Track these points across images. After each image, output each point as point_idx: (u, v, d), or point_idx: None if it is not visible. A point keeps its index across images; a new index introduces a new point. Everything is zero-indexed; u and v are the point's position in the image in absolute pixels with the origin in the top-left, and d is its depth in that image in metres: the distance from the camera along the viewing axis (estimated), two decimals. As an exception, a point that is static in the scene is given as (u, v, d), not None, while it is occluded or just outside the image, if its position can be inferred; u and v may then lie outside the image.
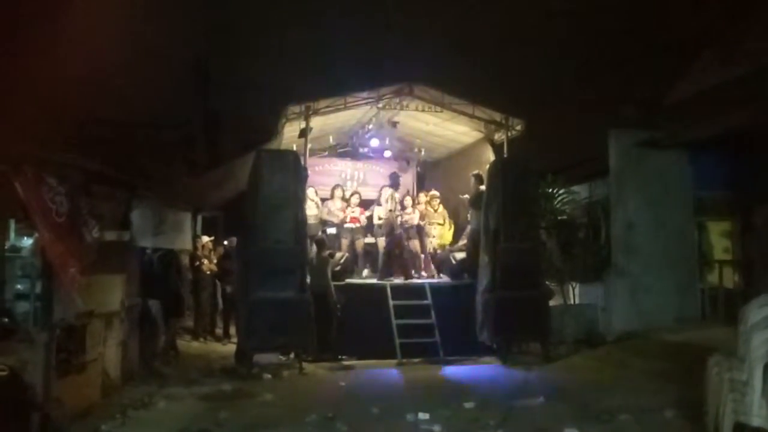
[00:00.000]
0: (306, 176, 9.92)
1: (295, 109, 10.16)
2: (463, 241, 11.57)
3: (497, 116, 11.07)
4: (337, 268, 10.28)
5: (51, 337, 5.90)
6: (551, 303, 10.34)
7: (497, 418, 6.37)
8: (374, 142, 13.16)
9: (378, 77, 11.35)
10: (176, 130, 11.44)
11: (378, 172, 13.95)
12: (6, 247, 6.30)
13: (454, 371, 9.13)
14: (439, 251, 11.99)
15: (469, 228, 11.07)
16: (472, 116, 11.15)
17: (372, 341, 9.67)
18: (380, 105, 10.93)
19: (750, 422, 4.75)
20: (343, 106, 10.62)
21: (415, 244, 11.36)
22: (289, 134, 10.92)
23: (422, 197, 12.39)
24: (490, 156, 11.38)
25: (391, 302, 9.95)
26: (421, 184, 14.38)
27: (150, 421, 6.54)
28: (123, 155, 7.87)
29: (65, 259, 5.83)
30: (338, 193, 11.82)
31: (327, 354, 9.40)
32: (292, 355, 9.45)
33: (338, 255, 10.66)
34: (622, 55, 13.07)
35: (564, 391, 7.62)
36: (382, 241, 11.30)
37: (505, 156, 10.88)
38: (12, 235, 6.42)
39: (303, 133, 10.52)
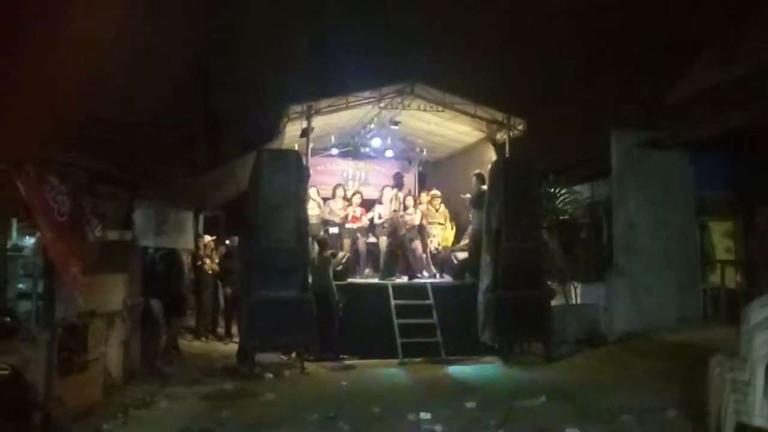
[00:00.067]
0: (308, 176, 9.91)
1: (297, 108, 10.15)
2: (464, 241, 11.56)
3: (499, 116, 11.06)
4: (339, 267, 10.28)
5: (53, 337, 5.90)
6: (553, 303, 10.33)
7: (499, 418, 6.37)
8: (376, 142, 13.15)
9: (379, 77, 11.37)
10: (177, 130, 11.47)
11: (380, 171, 13.96)
12: (8, 247, 6.30)
13: (455, 371, 9.12)
14: (441, 251, 11.98)
15: (470, 228, 11.07)
16: (473, 116, 11.13)
17: (374, 341, 9.67)
18: (382, 104, 10.91)
19: (752, 422, 4.75)
20: (344, 106, 10.60)
21: (416, 244, 11.36)
22: (291, 134, 10.92)
23: (424, 197, 12.39)
24: (492, 156, 11.36)
25: (392, 302, 9.94)
26: (423, 184, 14.36)
27: (152, 420, 6.53)
28: (124, 155, 7.88)
29: (67, 258, 5.83)
30: (340, 192, 11.82)
31: (329, 353, 9.39)
32: (293, 355, 9.44)
33: (340, 255, 10.66)
34: (622, 55, 13.09)
35: (565, 391, 7.61)
36: (383, 241, 11.30)
37: (507, 156, 10.86)
38: (14, 234, 6.41)
39: (304, 133, 10.52)
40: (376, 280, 10.82)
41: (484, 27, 15.47)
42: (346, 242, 11.35)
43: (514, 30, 14.98)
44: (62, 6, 8.04)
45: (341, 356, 9.52)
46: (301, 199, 9.44)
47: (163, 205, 8.99)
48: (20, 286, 6.25)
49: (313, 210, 11.01)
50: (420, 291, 10.27)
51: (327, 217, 11.47)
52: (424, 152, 14.04)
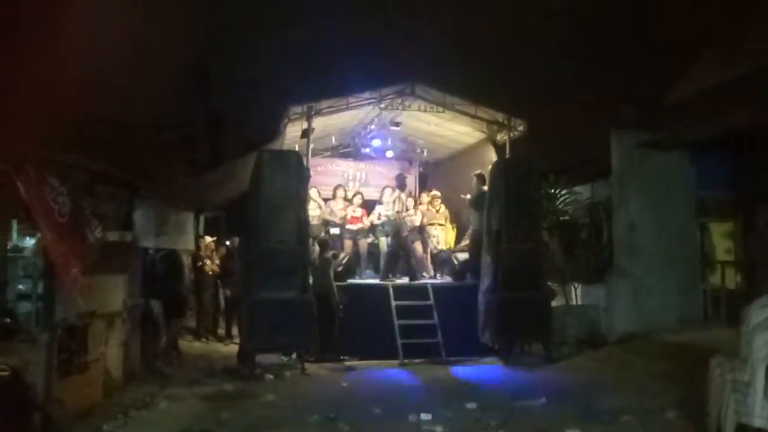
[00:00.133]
0: (309, 177, 9.91)
1: (297, 109, 10.16)
2: (465, 242, 11.55)
3: (499, 116, 11.06)
4: (340, 268, 10.28)
5: (53, 337, 5.90)
6: (553, 304, 10.33)
7: (499, 419, 6.36)
8: (376, 143, 13.16)
9: (380, 77, 11.36)
10: (177, 130, 11.46)
11: (380, 172, 13.96)
12: (8, 247, 6.30)
13: (456, 372, 9.12)
14: (442, 251, 11.98)
15: (471, 229, 11.06)
16: (474, 117, 11.13)
17: (374, 342, 9.65)
18: (382, 105, 10.93)
19: (752, 423, 4.75)
20: (345, 107, 10.62)
21: (417, 244, 11.35)
22: (292, 134, 10.92)
23: (424, 198, 12.38)
24: (493, 156, 11.36)
25: (393, 303, 9.93)
26: (423, 185, 14.37)
27: (152, 421, 6.53)
28: (124, 155, 7.88)
29: (67, 259, 5.83)
30: (340, 193, 11.81)
31: (329, 354, 9.39)
32: (294, 356, 9.44)
33: (341, 255, 10.66)
34: (622, 55, 13.10)
35: (566, 391, 7.62)
36: (384, 242, 11.30)
37: (508, 156, 10.86)
38: (14, 235, 6.42)
39: (305, 134, 10.52)
40: (376, 281, 10.81)
41: (484, 27, 15.47)
42: (347, 243, 11.34)
43: (514, 30, 14.98)
44: (62, 6, 8.03)
45: (342, 357, 9.51)
46: (302, 200, 9.43)
47: (163, 205, 8.98)
48: (20, 286, 6.26)
49: (313, 211, 11.01)
50: (420, 292, 10.26)
51: (328, 217, 11.45)
52: (425, 153, 14.05)
